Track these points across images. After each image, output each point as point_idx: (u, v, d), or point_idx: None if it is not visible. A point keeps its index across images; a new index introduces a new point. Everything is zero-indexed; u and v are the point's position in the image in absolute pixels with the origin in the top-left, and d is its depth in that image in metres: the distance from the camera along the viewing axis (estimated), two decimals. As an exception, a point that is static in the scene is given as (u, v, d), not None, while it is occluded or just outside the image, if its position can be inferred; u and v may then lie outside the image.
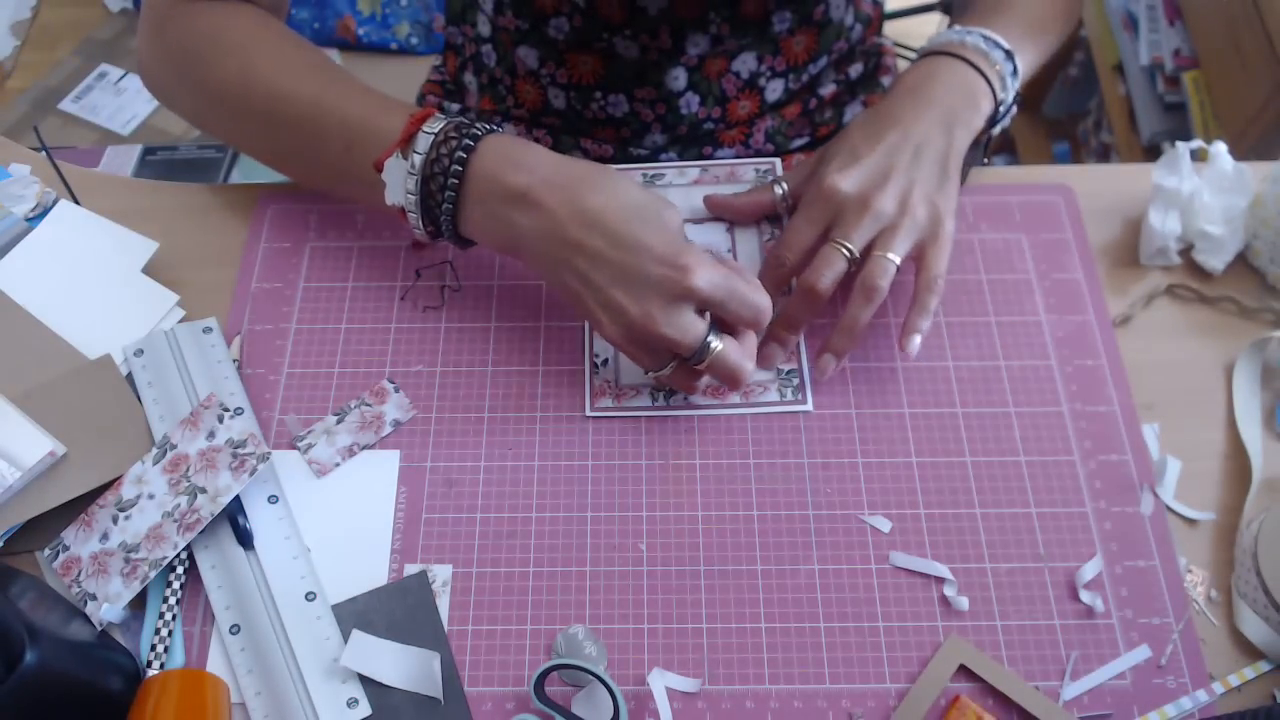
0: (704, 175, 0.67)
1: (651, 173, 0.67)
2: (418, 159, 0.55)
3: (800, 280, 0.58)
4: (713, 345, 0.53)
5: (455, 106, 0.85)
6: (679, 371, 0.56)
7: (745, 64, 0.73)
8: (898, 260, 0.57)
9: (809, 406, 0.60)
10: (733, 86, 0.74)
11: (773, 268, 0.61)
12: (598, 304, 0.53)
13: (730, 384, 0.55)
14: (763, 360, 0.60)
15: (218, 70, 0.61)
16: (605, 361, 0.61)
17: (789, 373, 0.61)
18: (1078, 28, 1.55)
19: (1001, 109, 0.63)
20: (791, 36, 0.73)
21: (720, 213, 0.66)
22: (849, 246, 0.57)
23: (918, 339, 0.58)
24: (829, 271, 0.57)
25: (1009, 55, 0.63)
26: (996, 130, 0.66)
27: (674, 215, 0.54)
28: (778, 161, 0.68)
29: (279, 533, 0.56)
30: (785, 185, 0.64)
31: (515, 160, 0.54)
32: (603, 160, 0.77)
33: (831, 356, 0.59)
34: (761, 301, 0.54)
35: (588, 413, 0.59)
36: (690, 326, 0.53)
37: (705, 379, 0.57)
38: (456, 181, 0.55)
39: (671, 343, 0.53)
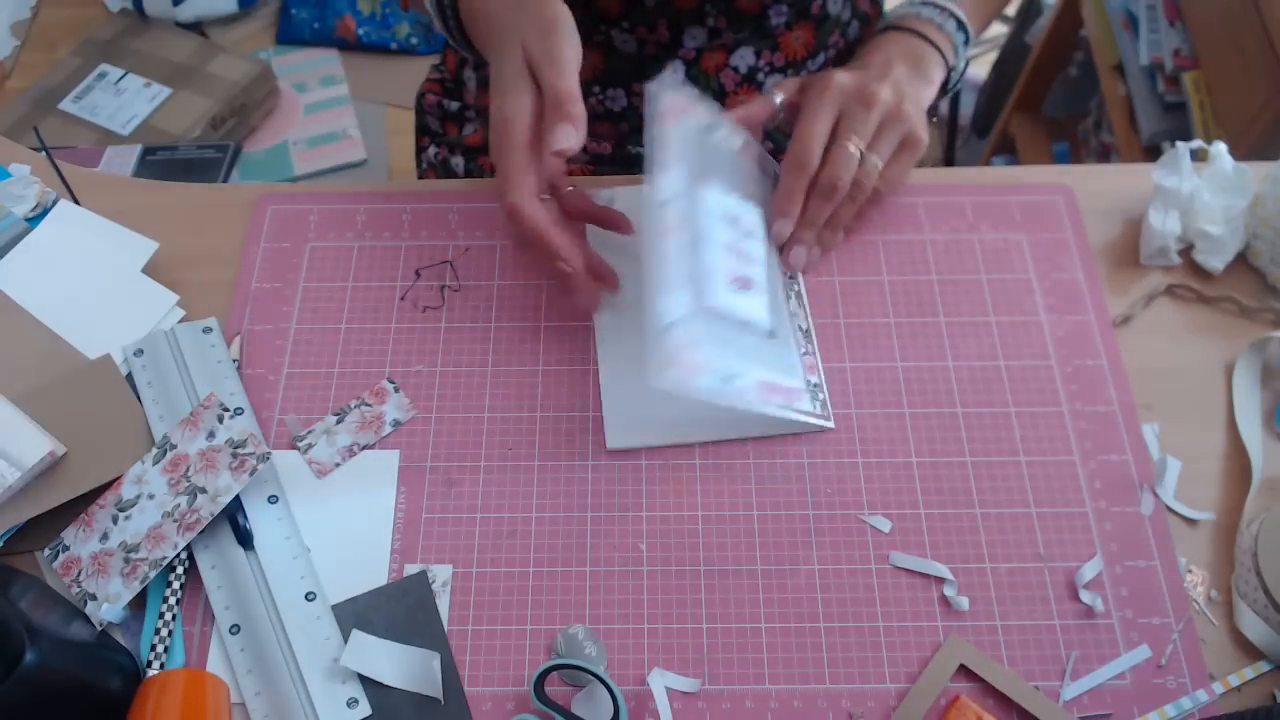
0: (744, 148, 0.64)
1: (718, 127, 0.62)
2: None
3: (821, 179, 0.61)
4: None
5: (455, 104, 0.85)
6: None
7: (743, 59, 0.73)
8: (881, 163, 0.61)
9: (831, 424, 0.59)
10: (731, 81, 0.74)
11: (795, 167, 0.61)
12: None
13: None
14: (791, 259, 0.63)
15: None
16: (671, 325, 0.52)
17: (815, 385, 0.60)
18: (1077, 24, 1.55)
19: (954, 75, 0.68)
20: (789, 31, 0.73)
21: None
22: (859, 143, 0.60)
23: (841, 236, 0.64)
24: (845, 172, 0.60)
25: (961, 25, 0.66)
26: (949, 93, 0.70)
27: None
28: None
29: (279, 533, 0.56)
30: (781, 95, 0.65)
31: None
32: (601, 158, 0.77)
33: (816, 249, 0.63)
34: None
35: (651, 383, 0.50)
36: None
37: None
38: None
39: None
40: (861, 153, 0.61)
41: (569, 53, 0.55)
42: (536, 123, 0.55)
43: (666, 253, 0.54)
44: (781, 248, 0.63)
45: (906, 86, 0.63)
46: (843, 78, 0.62)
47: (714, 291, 0.55)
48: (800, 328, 0.62)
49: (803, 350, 0.61)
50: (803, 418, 0.57)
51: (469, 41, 0.64)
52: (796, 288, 0.64)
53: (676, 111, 0.58)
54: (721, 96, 0.74)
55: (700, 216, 0.57)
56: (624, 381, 0.60)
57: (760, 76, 0.74)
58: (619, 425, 0.59)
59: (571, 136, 0.54)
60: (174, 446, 0.57)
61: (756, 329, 0.58)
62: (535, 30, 0.55)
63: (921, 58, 0.65)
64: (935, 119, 0.75)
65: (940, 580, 0.55)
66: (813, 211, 0.62)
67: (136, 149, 1.31)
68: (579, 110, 0.54)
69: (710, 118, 0.61)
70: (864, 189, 0.61)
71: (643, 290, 0.53)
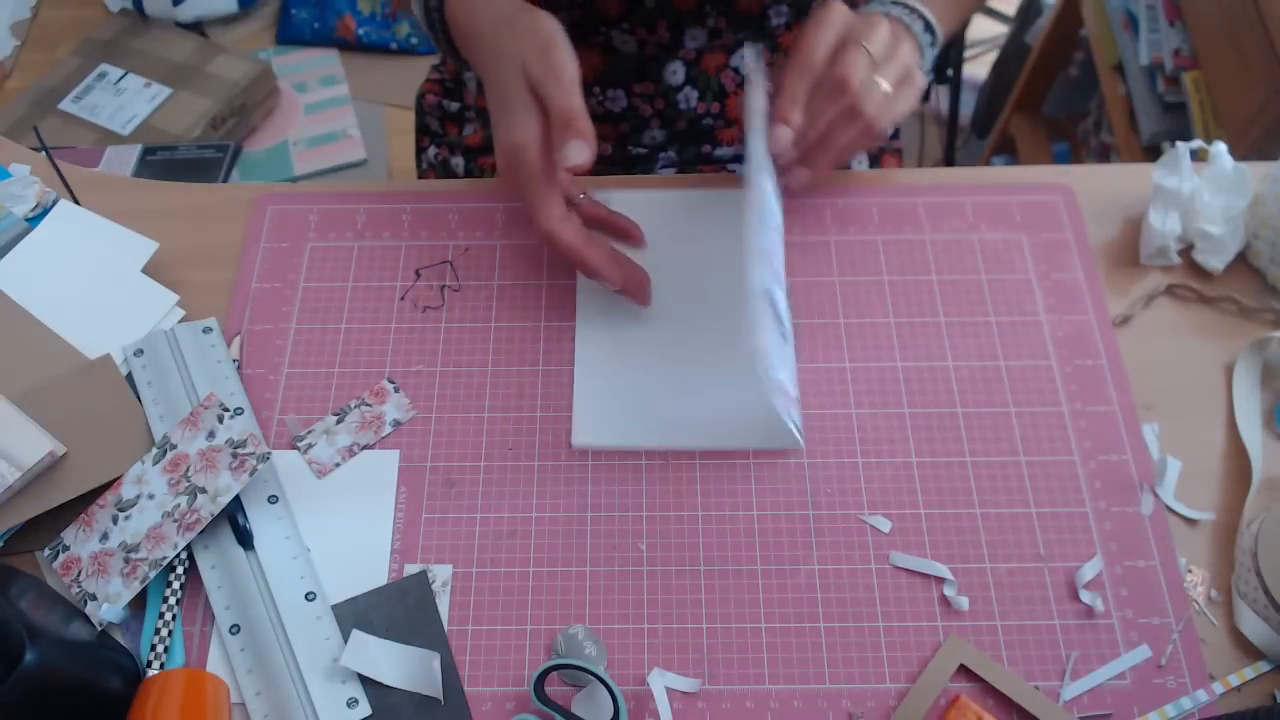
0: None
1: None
2: None
3: (832, 74, 0.57)
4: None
5: (455, 105, 0.85)
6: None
7: (744, 59, 0.73)
8: (887, 89, 0.57)
9: (801, 444, 0.58)
10: (731, 82, 0.74)
11: (799, 72, 0.59)
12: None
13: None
14: (792, 180, 0.61)
15: None
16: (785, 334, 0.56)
17: (795, 399, 0.59)
18: (1077, 24, 1.55)
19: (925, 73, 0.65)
20: (789, 31, 0.73)
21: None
22: (868, 47, 0.57)
23: (837, 156, 0.60)
24: (857, 71, 0.57)
25: (929, 27, 0.64)
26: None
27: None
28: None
29: (279, 533, 0.56)
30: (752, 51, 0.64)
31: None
32: (601, 159, 0.77)
33: (806, 170, 0.60)
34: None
35: (573, 443, 0.57)
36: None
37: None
38: None
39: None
40: (872, 56, 0.57)
41: (571, 68, 0.55)
42: (545, 142, 0.56)
43: (754, 223, 0.55)
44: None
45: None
46: (845, 7, 0.60)
47: (779, 273, 0.57)
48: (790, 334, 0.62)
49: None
50: (793, 429, 0.57)
51: (457, 50, 0.64)
52: (788, 289, 0.63)
53: (762, 91, 0.60)
54: (722, 97, 0.74)
55: (766, 199, 0.58)
56: (598, 381, 0.60)
57: None
58: (587, 425, 0.59)
59: (584, 153, 0.54)
60: (174, 446, 0.57)
61: (785, 325, 0.58)
62: (534, 49, 0.56)
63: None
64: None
65: (940, 580, 0.55)
66: (817, 114, 0.59)
67: (136, 149, 1.31)
68: (588, 126, 0.55)
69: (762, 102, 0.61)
70: (865, 111, 0.57)
71: (742, 254, 0.54)
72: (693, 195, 0.67)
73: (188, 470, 0.55)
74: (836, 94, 0.58)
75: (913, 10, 0.64)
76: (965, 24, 0.73)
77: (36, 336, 0.61)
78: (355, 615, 0.53)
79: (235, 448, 0.56)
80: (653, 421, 0.59)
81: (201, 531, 0.54)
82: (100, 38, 1.49)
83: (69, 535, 0.55)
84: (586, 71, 0.72)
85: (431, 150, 0.88)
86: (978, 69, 1.94)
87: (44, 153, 0.70)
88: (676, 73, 0.72)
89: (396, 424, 0.60)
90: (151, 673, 0.51)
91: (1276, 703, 0.51)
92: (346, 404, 0.60)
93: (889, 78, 0.58)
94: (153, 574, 0.53)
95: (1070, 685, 0.52)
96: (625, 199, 0.66)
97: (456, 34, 0.63)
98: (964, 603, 0.54)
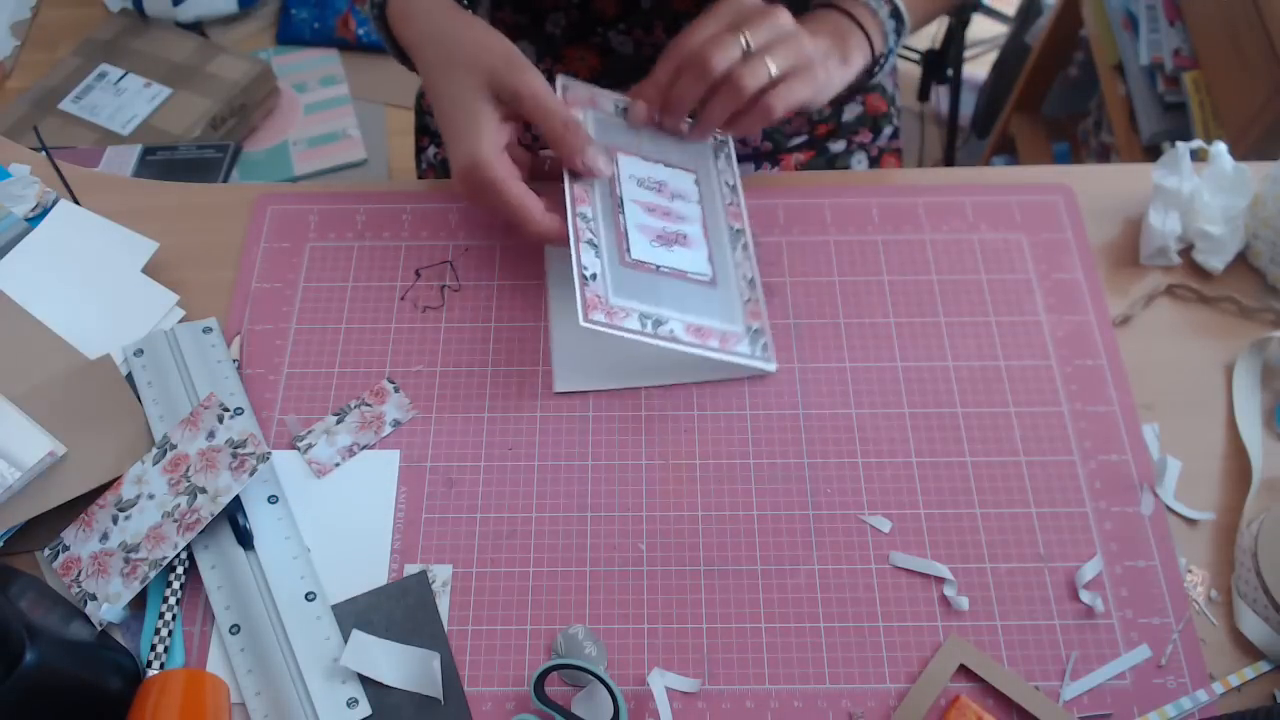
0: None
1: (624, 105, 0.66)
2: None
3: (694, 51, 0.58)
4: None
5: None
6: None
7: None
8: (775, 72, 0.58)
9: (773, 368, 0.61)
10: None
11: (672, 52, 0.60)
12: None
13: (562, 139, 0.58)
14: (632, 114, 0.63)
15: None
16: (594, 276, 0.58)
17: (756, 330, 0.62)
18: (1077, 24, 1.55)
19: (883, 60, 0.66)
20: None
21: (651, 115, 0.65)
22: (747, 38, 0.58)
23: (713, 127, 0.61)
24: (723, 53, 0.57)
25: (895, 12, 0.65)
26: (874, 79, 0.68)
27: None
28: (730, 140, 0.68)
29: (279, 533, 0.56)
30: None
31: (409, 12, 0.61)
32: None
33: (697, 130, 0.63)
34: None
35: (581, 323, 0.56)
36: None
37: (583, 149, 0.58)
38: None
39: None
40: (748, 50, 0.58)
41: (544, 80, 0.57)
42: (510, 149, 0.58)
43: (585, 216, 0.60)
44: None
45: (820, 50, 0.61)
46: (743, 1, 0.60)
47: (638, 247, 0.60)
48: (745, 277, 0.63)
49: (745, 298, 0.62)
50: (739, 360, 0.60)
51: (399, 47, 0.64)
52: (744, 240, 0.65)
53: (584, 102, 0.64)
54: None
55: (620, 184, 0.62)
56: (571, 331, 0.62)
57: None
58: (566, 371, 0.61)
59: (608, 163, 0.60)
60: (174, 446, 0.57)
61: (696, 278, 0.61)
62: (501, 62, 0.57)
63: (845, 37, 0.63)
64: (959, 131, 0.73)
65: (940, 580, 0.55)
66: (678, 91, 0.60)
67: (136, 149, 1.31)
68: (589, 135, 0.57)
69: (620, 99, 0.65)
70: (744, 88, 0.58)
71: (570, 250, 0.58)
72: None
73: (188, 470, 0.55)
74: (699, 72, 0.58)
75: None
76: (938, 13, 0.73)
77: (36, 336, 0.61)
78: (355, 615, 0.53)
79: (235, 448, 0.56)
80: (627, 363, 0.61)
81: (201, 531, 0.54)
82: (100, 38, 1.49)
83: (69, 535, 0.55)
84: (584, 71, 0.73)
85: (431, 150, 0.88)
86: (978, 69, 1.94)
87: (44, 153, 0.70)
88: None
89: (396, 424, 0.60)
90: (151, 673, 0.51)
91: (1276, 703, 0.51)
92: (346, 404, 0.60)
93: (777, 63, 0.58)
94: (153, 574, 0.53)
95: (1070, 685, 0.52)
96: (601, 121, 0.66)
97: (399, 27, 0.63)
98: (964, 603, 0.54)
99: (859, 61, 0.64)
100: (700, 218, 0.64)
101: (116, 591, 0.53)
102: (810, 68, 0.60)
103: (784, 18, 0.59)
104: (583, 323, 0.56)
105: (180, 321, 0.63)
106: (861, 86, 0.68)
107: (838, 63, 0.63)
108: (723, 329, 0.60)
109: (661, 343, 0.58)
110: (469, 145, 0.57)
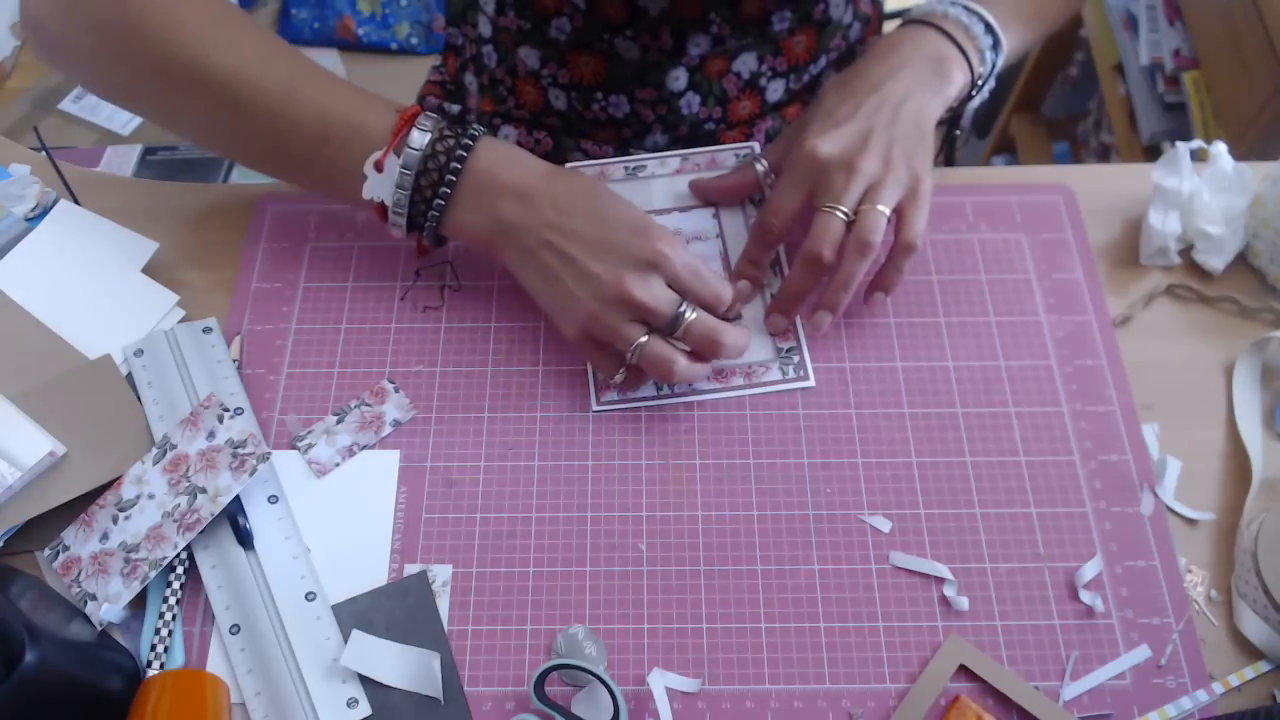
0: (685, 164, 0.68)
1: (634, 165, 0.67)
2: (413, 155, 0.55)
3: (803, 250, 0.58)
4: (686, 313, 0.56)
5: (456, 107, 0.85)
6: (653, 348, 0.55)
7: (746, 64, 0.73)
8: (888, 212, 0.57)
9: (811, 382, 0.61)
10: (734, 87, 0.74)
11: (759, 235, 0.61)
12: (573, 277, 0.55)
13: (709, 351, 0.57)
14: (770, 326, 0.62)
15: (159, 43, 0.56)
16: None
17: (789, 350, 0.62)
18: (1077, 24, 1.55)
19: (980, 82, 0.64)
20: (791, 36, 0.73)
21: (705, 196, 0.66)
22: (842, 209, 0.57)
23: (882, 296, 0.60)
24: (828, 238, 0.57)
25: (990, 29, 0.63)
26: (974, 104, 0.66)
27: (640, 210, 0.58)
28: (755, 145, 0.68)
29: (279, 533, 0.56)
30: (765, 162, 0.64)
31: (509, 158, 0.57)
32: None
33: (827, 313, 0.59)
34: (722, 290, 0.57)
35: (594, 408, 0.59)
36: (662, 292, 0.55)
37: (682, 362, 0.56)
38: (454, 179, 0.56)
39: (644, 308, 0.55)
40: (848, 216, 0.57)
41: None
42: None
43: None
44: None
45: (895, 132, 0.58)
46: (825, 147, 0.58)
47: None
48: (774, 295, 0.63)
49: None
50: (770, 390, 0.60)
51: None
52: (775, 255, 0.65)
53: (594, 177, 0.63)
54: (724, 102, 0.74)
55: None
56: None
57: (763, 81, 0.74)
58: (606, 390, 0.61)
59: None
60: (174, 446, 0.57)
61: None
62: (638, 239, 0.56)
63: (944, 60, 0.61)
64: (960, 131, 0.72)
65: (940, 580, 0.55)
66: (792, 282, 0.60)
67: (136, 149, 1.31)
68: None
69: (629, 161, 0.67)
70: (872, 245, 0.56)
71: None
72: (676, 181, 0.67)
73: (188, 470, 0.55)
74: (813, 262, 0.58)
75: (970, 10, 0.62)
76: (1043, 37, 0.71)
77: (36, 336, 0.61)
78: (355, 615, 0.53)
79: (235, 448, 0.56)
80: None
81: (201, 531, 0.54)
82: (100, 38, 1.49)
83: (69, 535, 0.55)
84: (589, 77, 0.73)
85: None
86: (977, 69, 1.93)
87: (44, 153, 0.70)
88: (679, 78, 0.72)
89: (396, 424, 0.60)
90: (151, 673, 0.51)
91: (1276, 703, 0.51)
92: (346, 404, 0.60)
93: (889, 201, 0.57)
94: (153, 574, 0.53)
95: (1070, 685, 0.52)
96: (628, 188, 0.66)
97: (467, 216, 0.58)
98: (964, 603, 0.54)
99: (959, 80, 0.62)
100: (720, 253, 0.65)
101: (116, 591, 0.53)
102: (919, 193, 0.58)
103: (866, 161, 0.57)
104: (595, 408, 0.60)
105: (180, 321, 0.63)
106: (959, 114, 0.66)
107: (931, 94, 0.60)
108: (746, 364, 0.61)
109: (677, 400, 0.60)
110: (641, 234, 0.55)
